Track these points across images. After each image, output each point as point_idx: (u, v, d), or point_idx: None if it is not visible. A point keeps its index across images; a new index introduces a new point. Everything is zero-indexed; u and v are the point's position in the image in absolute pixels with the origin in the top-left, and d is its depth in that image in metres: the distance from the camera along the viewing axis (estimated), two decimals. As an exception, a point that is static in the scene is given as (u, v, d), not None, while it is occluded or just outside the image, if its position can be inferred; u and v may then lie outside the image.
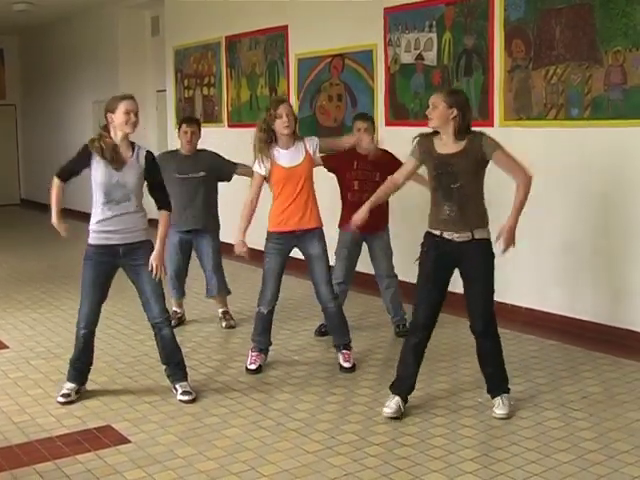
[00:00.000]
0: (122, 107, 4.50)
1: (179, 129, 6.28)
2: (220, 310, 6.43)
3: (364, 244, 5.96)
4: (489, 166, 4.29)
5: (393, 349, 5.69)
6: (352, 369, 5.15)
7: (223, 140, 9.64)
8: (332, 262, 5.96)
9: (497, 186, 4.55)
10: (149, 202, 4.74)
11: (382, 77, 7.36)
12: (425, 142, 4.35)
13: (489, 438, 4.06)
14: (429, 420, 4.31)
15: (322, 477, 3.65)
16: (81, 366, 4.74)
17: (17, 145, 16.46)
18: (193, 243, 6.26)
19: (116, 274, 4.73)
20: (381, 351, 5.65)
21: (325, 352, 5.59)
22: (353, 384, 4.92)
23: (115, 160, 4.50)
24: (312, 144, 5.14)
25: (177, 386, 4.70)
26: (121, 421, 4.35)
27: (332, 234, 5.74)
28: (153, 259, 4.58)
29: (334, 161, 5.71)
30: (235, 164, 6.24)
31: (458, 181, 4.20)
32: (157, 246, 4.62)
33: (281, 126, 4.97)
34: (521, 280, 6.20)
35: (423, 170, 4.53)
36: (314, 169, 5.24)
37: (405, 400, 4.40)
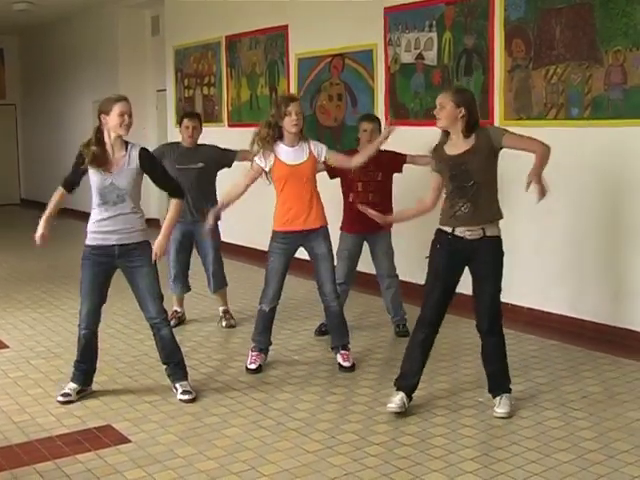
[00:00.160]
0: (116, 109, 4.49)
1: (180, 124, 6.32)
2: (221, 309, 6.43)
3: (365, 244, 5.96)
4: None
5: (393, 349, 5.70)
6: (352, 368, 5.15)
7: (223, 140, 9.63)
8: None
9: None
10: (146, 203, 4.74)
11: (382, 77, 7.36)
12: (438, 151, 4.37)
13: (489, 438, 4.06)
14: (429, 420, 4.30)
15: (322, 477, 3.65)
16: (84, 367, 4.73)
17: (17, 145, 16.47)
18: (194, 235, 6.25)
19: (115, 274, 4.73)
20: (381, 351, 5.65)
21: (325, 352, 5.59)
22: (353, 384, 4.92)
23: (102, 165, 4.52)
24: (318, 148, 5.10)
25: (177, 385, 4.70)
26: (121, 421, 4.35)
27: (334, 235, 5.73)
28: (156, 244, 4.61)
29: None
30: (235, 151, 6.25)
31: (472, 179, 4.21)
32: (163, 230, 4.65)
33: (290, 124, 4.97)
34: (522, 280, 6.20)
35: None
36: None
37: (409, 397, 4.41)
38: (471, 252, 4.28)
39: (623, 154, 5.55)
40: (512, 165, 5.78)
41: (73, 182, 4.75)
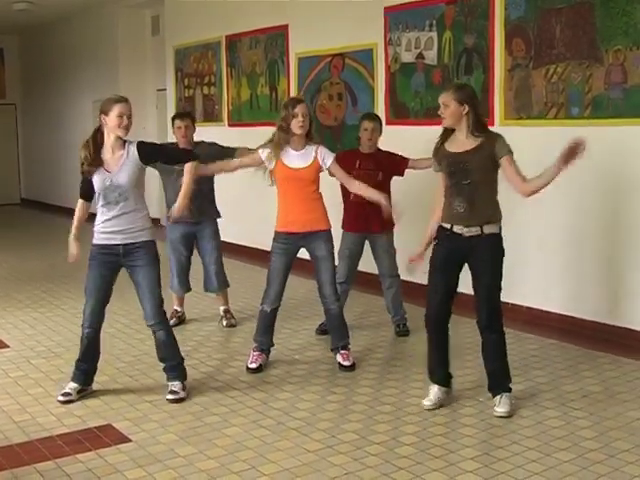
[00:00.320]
0: (116, 110, 4.49)
1: (173, 125, 6.30)
2: (221, 308, 6.43)
3: (366, 244, 5.96)
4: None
5: (393, 348, 5.70)
6: (352, 367, 5.15)
7: (223, 139, 9.64)
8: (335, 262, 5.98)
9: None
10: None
11: (382, 76, 7.36)
12: (438, 149, 4.40)
13: (489, 437, 4.06)
14: (430, 419, 4.31)
15: (323, 476, 3.65)
16: (85, 367, 4.73)
17: (17, 144, 16.47)
18: (195, 235, 6.25)
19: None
20: (381, 350, 5.65)
21: (326, 351, 5.58)
22: (353, 383, 4.92)
23: (96, 166, 4.55)
24: (324, 156, 5.05)
25: (169, 384, 4.72)
26: (122, 420, 4.35)
27: (335, 235, 5.73)
28: (175, 207, 4.67)
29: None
30: (235, 148, 6.25)
31: (469, 178, 4.24)
32: (182, 192, 4.69)
33: (296, 125, 4.97)
34: (521, 279, 6.20)
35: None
36: None
37: (447, 387, 4.53)
38: (469, 249, 4.30)
39: (623, 153, 5.55)
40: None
41: (87, 190, 4.69)
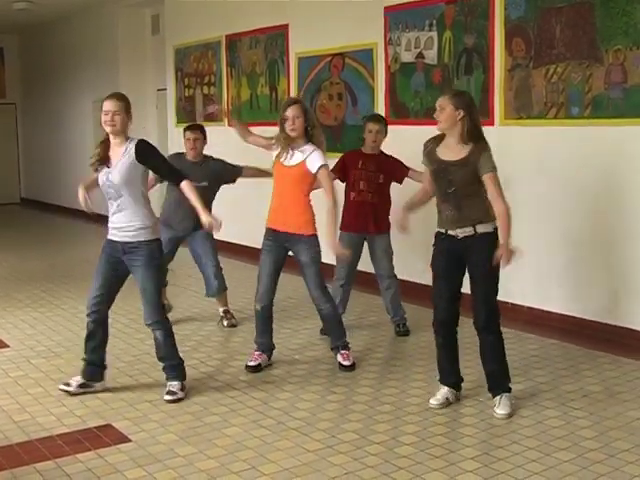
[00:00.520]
0: (103, 106, 4.56)
1: (184, 136, 6.30)
2: (221, 309, 6.43)
3: (365, 244, 5.97)
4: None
5: (393, 348, 5.70)
6: (352, 367, 5.15)
7: (223, 139, 9.65)
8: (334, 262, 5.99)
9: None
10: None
11: (382, 76, 7.36)
12: (428, 146, 4.42)
13: (490, 437, 4.06)
14: (430, 418, 4.31)
15: (323, 476, 3.65)
16: (87, 358, 4.77)
17: (17, 144, 16.46)
18: (185, 241, 6.27)
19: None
20: (381, 350, 5.65)
21: (326, 351, 5.58)
22: (353, 383, 4.92)
23: (104, 163, 4.60)
24: (313, 160, 4.96)
25: (167, 384, 4.72)
26: (121, 420, 4.35)
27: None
28: (207, 223, 4.63)
29: (340, 166, 5.81)
30: (241, 168, 6.27)
31: (453, 186, 4.28)
32: (199, 209, 4.61)
33: (287, 128, 4.98)
34: (522, 279, 6.20)
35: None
36: None
37: (457, 389, 4.54)
38: (464, 250, 4.33)
39: (623, 153, 5.55)
40: (512, 165, 5.81)
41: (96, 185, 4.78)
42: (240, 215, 8.68)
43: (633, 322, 5.56)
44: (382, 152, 5.89)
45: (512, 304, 6.16)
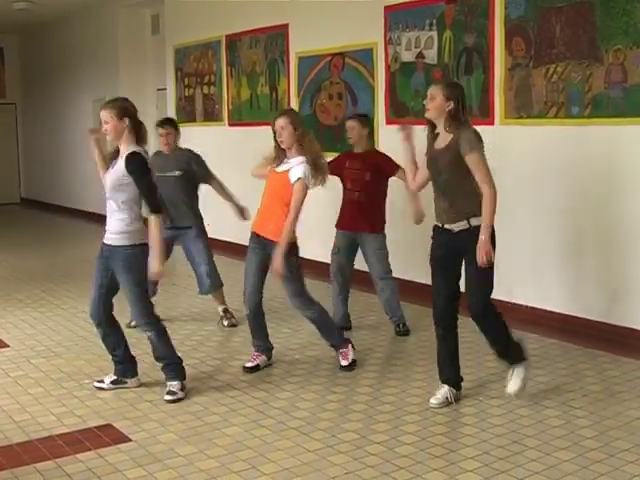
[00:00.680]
0: None
1: (157, 132, 6.34)
2: (220, 308, 6.43)
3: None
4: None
5: (393, 347, 5.70)
6: (350, 367, 5.14)
7: (223, 139, 9.66)
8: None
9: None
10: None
11: (382, 75, 7.36)
12: (429, 136, 4.47)
13: (490, 436, 4.05)
14: (430, 418, 4.31)
15: (323, 475, 3.65)
16: (113, 357, 4.86)
17: (17, 144, 16.46)
18: (179, 241, 6.28)
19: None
20: (381, 350, 5.65)
21: (326, 351, 5.58)
22: (354, 382, 4.92)
23: (111, 159, 4.66)
24: (294, 172, 4.91)
25: (167, 384, 4.73)
26: (122, 420, 4.35)
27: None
28: (150, 271, 4.55)
29: (332, 165, 5.84)
30: (211, 175, 6.33)
31: (442, 174, 4.33)
32: (153, 252, 4.54)
33: (278, 140, 5.01)
34: (522, 279, 6.21)
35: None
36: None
37: (457, 388, 4.53)
38: (460, 242, 4.34)
39: (624, 152, 5.55)
40: (512, 164, 5.81)
41: None
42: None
43: (633, 322, 5.55)
44: (373, 150, 5.93)
45: (512, 304, 6.16)
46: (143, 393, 4.78)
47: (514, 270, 6.11)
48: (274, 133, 5.01)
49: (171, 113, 10.87)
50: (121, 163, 4.53)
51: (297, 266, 5.06)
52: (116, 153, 4.64)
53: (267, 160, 5.16)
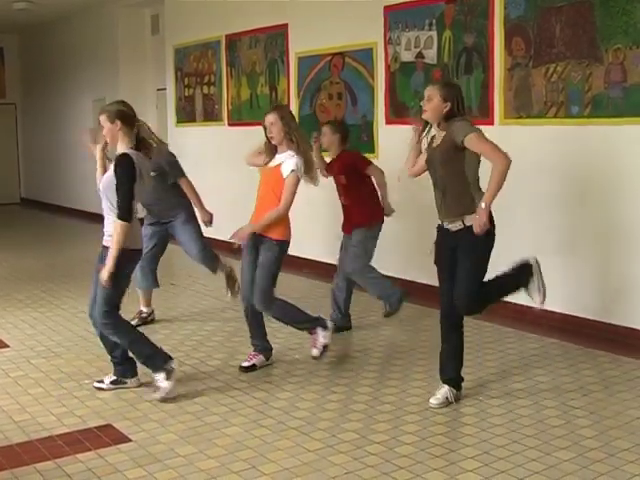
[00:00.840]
0: None
1: None
2: (224, 277, 6.41)
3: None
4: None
5: (393, 347, 5.70)
6: (318, 357, 5.13)
7: (223, 139, 9.67)
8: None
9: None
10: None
11: (382, 75, 7.36)
12: (430, 136, 4.49)
13: (490, 436, 4.05)
14: (429, 418, 4.31)
15: (323, 475, 3.65)
16: (112, 357, 4.86)
17: (17, 144, 16.46)
18: (170, 233, 6.28)
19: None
20: (381, 349, 5.65)
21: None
22: (354, 382, 4.92)
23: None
24: (286, 166, 4.95)
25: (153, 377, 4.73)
26: (122, 420, 4.35)
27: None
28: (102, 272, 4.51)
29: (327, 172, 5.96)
30: (182, 175, 6.27)
31: (437, 171, 4.36)
32: (107, 260, 4.48)
33: (268, 135, 5.04)
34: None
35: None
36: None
37: (457, 389, 4.52)
38: (456, 242, 4.36)
39: (623, 152, 5.55)
40: (512, 164, 5.77)
41: None
42: (241, 215, 8.67)
43: (633, 321, 5.55)
44: (343, 152, 5.96)
45: (513, 303, 6.15)
46: (143, 393, 4.77)
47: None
48: (264, 129, 5.05)
49: (171, 113, 10.89)
50: (111, 166, 4.59)
51: (277, 262, 5.04)
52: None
53: (260, 150, 5.18)
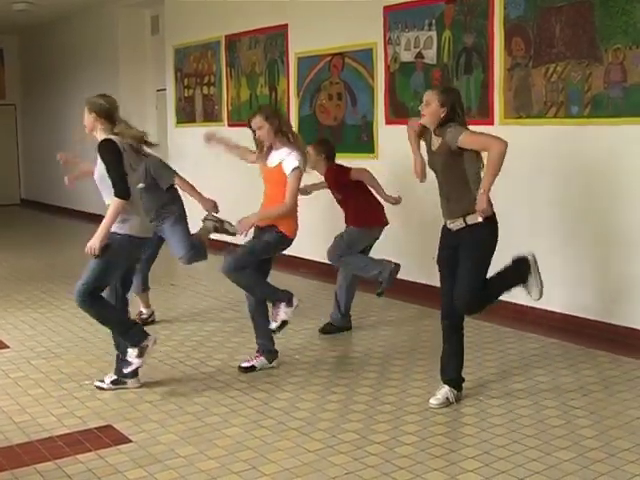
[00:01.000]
0: None
1: None
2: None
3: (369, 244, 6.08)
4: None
5: (393, 347, 5.70)
6: (278, 329, 5.13)
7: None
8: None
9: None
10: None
11: (382, 76, 7.36)
12: (427, 140, 4.48)
13: (490, 436, 4.05)
14: (430, 418, 4.30)
15: (323, 476, 3.65)
16: (118, 354, 4.87)
17: (17, 145, 16.47)
18: (156, 236, 6.28)
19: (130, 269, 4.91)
20: (381, 349, 5.64)
21: (326, 351, 5.59)
22: (354, 382, 4.92)
23: None
24: (288, 163, 4.98)
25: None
26: (122, 421, 4.35)
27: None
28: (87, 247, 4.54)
29: None
30: (174, 173, 6.28)
31: (439, 175, 4.41)
32: (98, 231, 4.52)
33: (257, 139, 5.09)
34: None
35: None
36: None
37: (457, 389, 4.52)
38: (458, 241, 4.37)
39: (623, 152, 5.54)
40: (511, 164, 5.77)
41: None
42: (241, 215, 8.68)
43: (634, 321, 5.55)
44: (328, 170, 5.96)
45: (513, 303, 6.15)
46: (143, 394, 4.77)
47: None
48: (253, 133, 5.08)
49: (171, 114, 10.89)
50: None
51: (268, 247, 5.04)
52: None
53: (254, 150, 5.26)
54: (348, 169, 5.93)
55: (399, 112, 7.19)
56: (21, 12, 12.15)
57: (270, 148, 5.09)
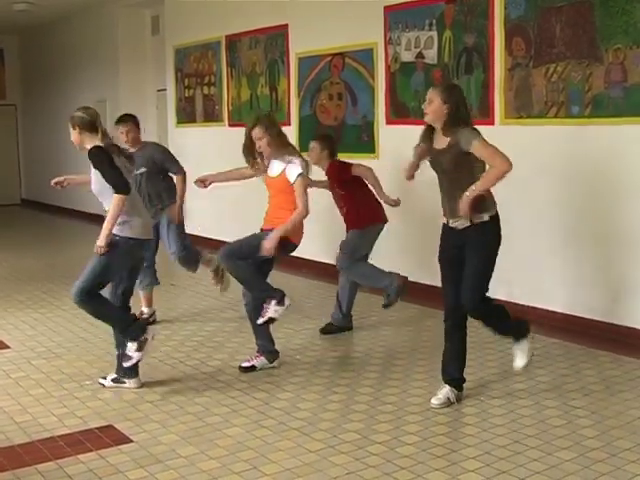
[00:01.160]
0: None
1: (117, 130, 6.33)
2: (210, 271, 6.47)
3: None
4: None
5: (394, 347, 5.70)
6: (264, 323, 5.11)
7: (224, 139, 9.66)
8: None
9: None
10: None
11: (382, 76, 7.36)
12: (426, 134, 4.46)
13: (491, 436, 4.05)
14: (431, 418, 4.30)
15: (324, 476, 3.65)
16: (118, 352, 4.89)
17: (17, 145, 16.47)
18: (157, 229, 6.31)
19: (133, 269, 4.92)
20: (382, 349, 5.64)
21: (327, 351, 5.59)
22: (355, 382, 4.92)
23: None
24: (291, 171, 5.01)
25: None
26: (123, 421, 4.35)
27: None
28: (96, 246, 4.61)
29: None
30: (178, 169, 6.33)
31: (445, 174, 4.37)
32: (102, 231, 4.60)
33: (257, 150, 5.10)
34: (524, 279, 6.20)
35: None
36: None
37: (458, 389, 4.51)
38: (464, 239, 4.36)
39: (624, 152, 5.54)
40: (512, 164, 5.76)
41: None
42: (241, 215, 8.69)
43: (635, 321, 5.55)
44: (332, 164, 5.98)
45: (514, 304, 6.15)
46: (144, 394, 4.77)
47: (515, 270, 6.11)
48: (250, 140, 5.09)
49: (171, 114, 10.89)
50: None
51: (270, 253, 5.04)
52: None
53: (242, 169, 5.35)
54: (350, 165, 5.94)
55: (400, 112, 7.19)
56: (21, 12, 12.15)
57: (269, 157, 5.09)
